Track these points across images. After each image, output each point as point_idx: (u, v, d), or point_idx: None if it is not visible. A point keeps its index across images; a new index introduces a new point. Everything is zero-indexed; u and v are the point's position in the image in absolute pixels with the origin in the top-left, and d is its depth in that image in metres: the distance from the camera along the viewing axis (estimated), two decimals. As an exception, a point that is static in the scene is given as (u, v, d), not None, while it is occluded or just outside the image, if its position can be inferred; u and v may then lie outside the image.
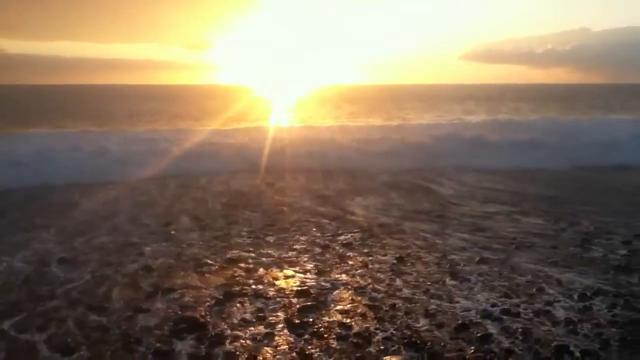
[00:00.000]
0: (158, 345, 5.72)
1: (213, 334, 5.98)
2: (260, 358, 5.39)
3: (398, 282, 7.59)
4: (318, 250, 9.02)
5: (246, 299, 6.98)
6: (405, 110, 55.46)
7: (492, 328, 6.08)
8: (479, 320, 6.28)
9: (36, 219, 11.11)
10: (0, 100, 77.56)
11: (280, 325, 6.20)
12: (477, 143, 20.32)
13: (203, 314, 6.50)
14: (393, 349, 5.56)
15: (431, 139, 21.24)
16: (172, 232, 10.05)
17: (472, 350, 5.51)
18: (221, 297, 7.02)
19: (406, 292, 7.21)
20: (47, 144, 18.03)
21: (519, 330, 6.01)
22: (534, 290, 7.22)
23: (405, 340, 5.74)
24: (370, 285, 7.42)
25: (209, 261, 8.44)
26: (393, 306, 6.71)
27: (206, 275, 7.87)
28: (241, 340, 5.82)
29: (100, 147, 18.13)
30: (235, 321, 6.32)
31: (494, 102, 69.02)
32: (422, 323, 6.24)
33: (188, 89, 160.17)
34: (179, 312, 6.54)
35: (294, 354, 5.48)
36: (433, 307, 6.69)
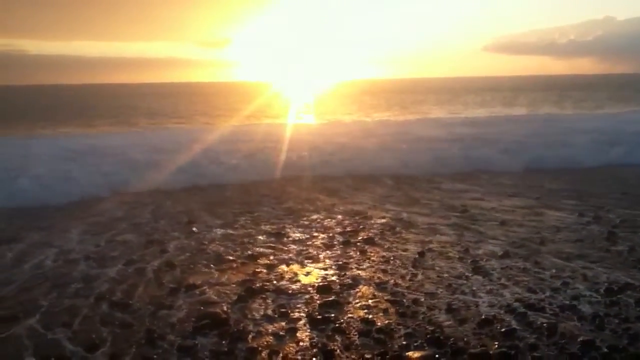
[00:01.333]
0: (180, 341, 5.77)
1: (235, 330, 6.00)
2: (282, 354, 5.39)
3: (420, 277, 7.54)
4: (339, 245, 9.03)
5: (268, 294, 7.00)
6: (426, 104, 55.23)
7: (516, 323, 6.00)
8: (502, 316, 6.21)
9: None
10: (31, 100, 78.56)
11: (302, 321, 6.20)
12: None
13: (225, 309, 6.54)
14: (416, 344, 5.51)
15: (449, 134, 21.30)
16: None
17: (496, 346, 5.44)
18: (243, 293, 7.05)
19: (428, 287, 7.17)
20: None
21: (544, 325, 5.91)
22: (559, 284, 7.11)
23: (428, 336, 5.69)
24: (392, 281, 7.39)
25: (231, 257, 8.49)
26: (415, 301, 6.67)
27: (228, 271, 7.93)
28: (263, 336, 5.84)
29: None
30: (257, 317, 6.34)
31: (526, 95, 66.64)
32: (445, 318, 6.18)
33: (208, 86, 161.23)
34: (202, 308, 6.58)
35: (316, 350, 5.47)
36: (456, 302, 6.62)
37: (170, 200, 12.92)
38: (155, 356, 5.42)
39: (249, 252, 8.67)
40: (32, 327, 6.14)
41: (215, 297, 6.95)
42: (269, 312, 6.47)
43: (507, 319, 6.11)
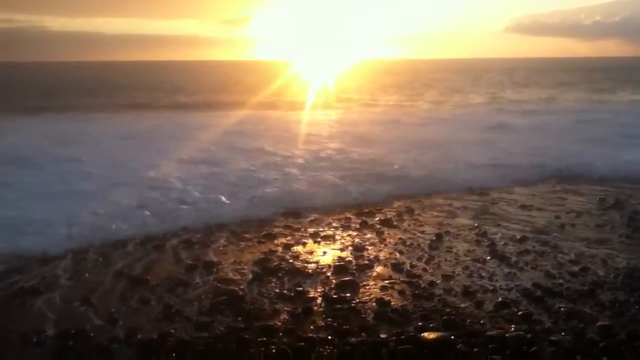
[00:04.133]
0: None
1: (251, 308, 6.05)
2: (298, 333, 5.42)
3: (437, 259, 7.52)
4: (356, 226, 9.03)
5: (284, 274, 7.04)
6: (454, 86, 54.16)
7: (533, 307, 5.96)
8: (520, 299, 6.17)
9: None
10: (62, 77, 77.31)
11: (318, 301, 6.22)
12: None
13: (242, 287, 6.59)
14: (431, 325, 5.50)
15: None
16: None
17: (513, 329, 5.40)
18: (260, 271, 7.10)
19: (445, 269, 7.14)
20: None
21: (562, 309, 5.86)
22: (578, 269, 7.04)
23: (444, 318, 5.68)
24: (409, 262, 7.37)
25: (248, 236, 8.55)
26: (432, 283, 6.65)
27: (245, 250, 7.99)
28: (279, 315, 5.88)
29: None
30: (273, 296, 6.38)
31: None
32: (461, 301, 6.16)
33: (230, 65, 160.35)
34: (219, 286, 6.64)
35: (332, 330, 5.49)
36: (473, 285, 6.59)
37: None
38: (172, 331, 5.48)
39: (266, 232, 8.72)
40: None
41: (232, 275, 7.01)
42: (285, 291, 6.50)
43: (525, 303, 6.07)
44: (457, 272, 7.02)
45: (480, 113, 27.49)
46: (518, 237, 8.36)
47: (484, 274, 6.93)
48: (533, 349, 5.01)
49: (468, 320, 5.63)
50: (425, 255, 7.66)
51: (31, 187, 11.24)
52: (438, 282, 6.70)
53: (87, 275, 7.03)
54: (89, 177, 12.21)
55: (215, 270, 7.17)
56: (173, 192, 10.89)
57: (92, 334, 5.43)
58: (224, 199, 10.47)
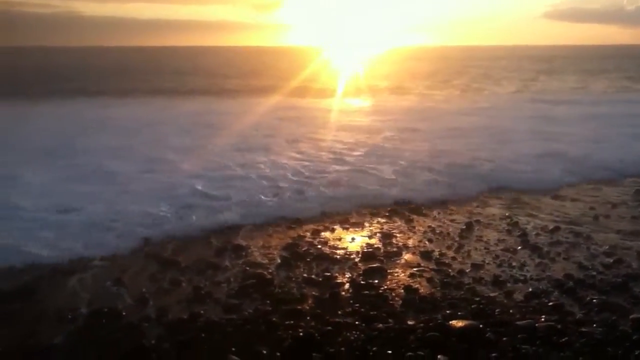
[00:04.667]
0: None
1: (279, 291, 6.11)
2: (325, 317, 5.45)
3: (466, 248, 7.45)
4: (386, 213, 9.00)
5: (312, 259, 7.07)
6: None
7: (564, 298, 5.86)
8: (551, 290, 6.08)
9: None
10: (102, 62, 77.49)
11: (346, 287, 6.24)
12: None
13: (271, 271, 6.65)
14: (460, 314, 5.46)
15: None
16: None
17: (543, 319, 5.33)
18: (288, 256, 7.15)
19: (475, 258, 7.07)
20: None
21: (594, 301, 5.75)
22: (612, 261, 6.89)
23: (473, 306, 5.63)
24: (438, 250, 7.33)
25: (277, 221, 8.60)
26: (461, 272, 6.60)
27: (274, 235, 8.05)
28: (306, 299, 5.92)
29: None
30: (301, 280, 6.42)
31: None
32: (491, 290, 6.10)
33: (261, 51, 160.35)
34: (248, 269, 6.71)
35: (359, 315, 5.50)
36: (503, 274, 6.52)
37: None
38: (202, 312, 5.57)
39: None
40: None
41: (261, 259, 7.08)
42: (313, 276, 6.53)
43: (556, 294, 5.98)
44: (487, 262, 6.94)
45: (519, 102, 26.65)
46: (550, 227, 8.22)
47: (514, 264, 6.84)
48: (563, 339, 4.94)
49: (497, 310, 5.57)
50: (455, 243, 7.60)
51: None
52: (467, 270, 6.65)
53: (119, 256, 7.18)
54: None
55: (244, 254, 7.25)
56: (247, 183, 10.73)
57: (123, 313, 5.56)
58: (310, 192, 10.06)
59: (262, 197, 9.67)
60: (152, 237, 7.75)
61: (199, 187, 10.14)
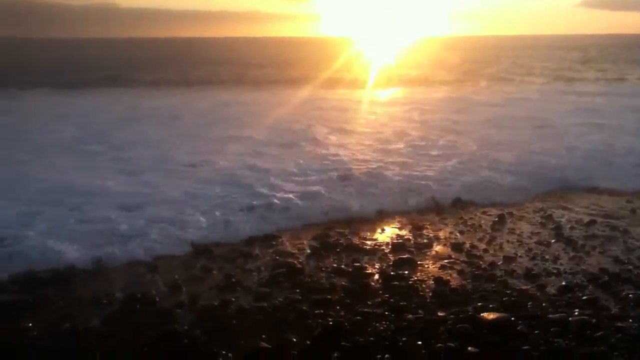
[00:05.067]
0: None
1: (309, 281, 6.14)
2: (355, 307, 5.45)
3: (498, 240, 7.36)
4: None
5: (342, 249, 7.08)
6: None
7: (599, 292, 5.74)
8: (585, 284, 5.96)
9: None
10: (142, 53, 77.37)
11: (375, 277, 6.23)
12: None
13: (301, 261, 6.69)
14: (491, 306, 5.40)
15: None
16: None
17: (576, 313, 5.23)
18: (318, 246, 7.17)
19: (507, 251, 6.98)
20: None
21: (630, 296, 5.62)
22: (648, 256, 6.71)
23: (504, 299, 5.57)
24: (469, 242, 7.25)
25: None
26: (492, 264, 6.52)
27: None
28: (336, 289, 5.93)
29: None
30: (331, 270, 6.44)
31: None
32: (523, 283, 6.02)
33: (293, 42, 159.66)
34: (278, 259, 6.76)
35: (387, 306, 5.49)
36: (535, 267, 6.42)
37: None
38: (233, 299, 5.65)
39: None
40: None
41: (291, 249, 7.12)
42: (343, 266, 6.54)
43: (590, 288, 5.86)
44: (519, 254, 6.85)
45: (555, 93, 25.89)
46: (586, 220, 8.06)
47: (547, 257, 6.73)
48: (598, 334, 4.84)
49: (529, 303, 5.49)
50: (487, 236, 7.51)
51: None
52: (499, 263, 6.57)
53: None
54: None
55: (274, 243, 7.30)
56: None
57: (157, 299, 5.67)
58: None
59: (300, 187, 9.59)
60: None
61: (237, 179, 10.15)
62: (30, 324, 5.17)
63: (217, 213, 8.14)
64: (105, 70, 40.25)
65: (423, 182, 9.82)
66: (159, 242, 7.12)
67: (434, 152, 12.57)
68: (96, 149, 12.83)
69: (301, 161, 11.54)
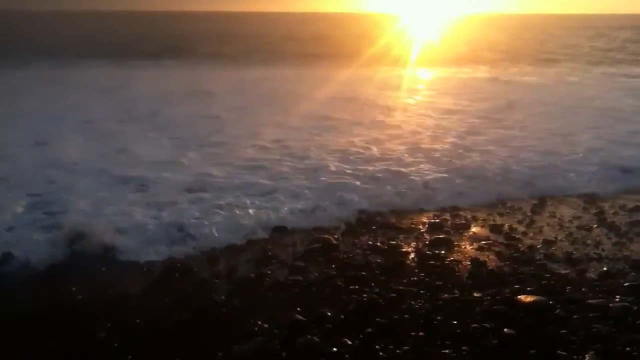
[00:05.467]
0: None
1: (344, 257, 6.17)
2: (389, 285, 5.46)
3: (539, 223, 7.23)
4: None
5: (378, 227, 7.08)
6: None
7: (642, 280, 5.60)
8: (627, 270, 5.81)
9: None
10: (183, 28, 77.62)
11: (411, 256, 6.22)
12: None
13: (336, 237, 6.72)
14: (529, 289, 5.33)
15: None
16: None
17: (617, 300, 5.12)
18: (354, 223, 7.19)
19: (547, 234, 6.86)
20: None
21: (675, 284, 5.46)
22: (698, 244, 6.50)
23: (543, 282, 5.48)
24: (508, 225, 7.15)
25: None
26: (531, 247, 6.42)
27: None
28: (370, 266, 5.95)
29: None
30: (366, 247, 6.45)
31: None
32: (563, 267, 5.91)
33: (340, 17, 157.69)
34: (314, 234, 6.81)
35: (424, 284, 5.48)
36: (576, 252, 6.29)
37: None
38: (269, 272, 5.73)
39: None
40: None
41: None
42: (378, 243, 6.54)
43: (633, 275, 5.72)
44: (559, 238, 6.72)
45: (610, 76, 24.56)
46: (630, 206, 7.83)
47: (589, 242, 6.59)
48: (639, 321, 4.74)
49: (568, 287, 5.40)
50: (527, 218, 7.39)
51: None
52: (538, 246, 6.46)
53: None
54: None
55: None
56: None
57: (195, 269, 5.80)
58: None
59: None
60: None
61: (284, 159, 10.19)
62: (75, 288, 5.37)
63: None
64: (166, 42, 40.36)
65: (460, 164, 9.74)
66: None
67: (479, 137, 12.13)
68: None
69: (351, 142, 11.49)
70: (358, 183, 8.63)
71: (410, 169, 9.46)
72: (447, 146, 11.14)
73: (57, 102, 15.82)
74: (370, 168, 9.46)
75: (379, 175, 9.07)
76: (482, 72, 26.56)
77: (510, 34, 58.93)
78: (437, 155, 10.37)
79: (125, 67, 25.17)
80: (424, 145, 11.18)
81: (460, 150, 10.68)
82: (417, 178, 8.89)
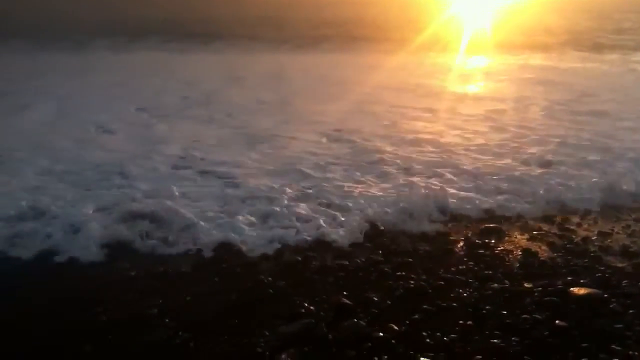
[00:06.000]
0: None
1: (391, 243, 6.13)
2: (438, 273, 5.39)
3: (594, 214, 6.98)
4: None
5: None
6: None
7: None
8: (691, 265, 5.56)
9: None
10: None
11: (460, 244, 6.12)
12: None
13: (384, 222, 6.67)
14: (582, 282, 5.17)
15: None
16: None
17: (679, 296, 4.91)
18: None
19: (603, 226, 6.62)
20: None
21: None
22: None
23: (597, 275, 5.31)
24: (562, 215, 6.94)
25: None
26: (586, 239, 6.22)
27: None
28: (418, 254, 5.90)
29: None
30: (415, 233, 6.40)
31: None
32: (619, 260, 5.70)
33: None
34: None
35: (472, 273, 5.40)
36: (634, 245, 6.05)
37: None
38: (315, 255, 5.76)
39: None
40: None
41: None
42: (427, 229, 6.47)
43: (696, 270, 5.46)
44: (616, 230, 6.48)
45: None
46: (694, 199, 7.47)
47: (648, 235, 6.33)
48: None
49: (625, 281, 5.20)
50: (581, 209, 7.14)
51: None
52: (593, 238, 6.25)
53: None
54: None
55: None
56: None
57: (243, 249, 5.90)
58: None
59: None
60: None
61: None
62: (129, 265, 5.55)
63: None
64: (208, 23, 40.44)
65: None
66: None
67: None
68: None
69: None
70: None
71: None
72: (507, 135, 10.88)
73: (117, 88, 15.97)
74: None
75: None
76: (540, 58, 25.24)
77: (567, 17, 56.01)
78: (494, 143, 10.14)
79: (174, 51, 25.33)
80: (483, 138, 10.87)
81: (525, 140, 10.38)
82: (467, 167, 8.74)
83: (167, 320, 4.59)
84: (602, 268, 5.48)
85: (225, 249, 5.93)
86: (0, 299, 5.09)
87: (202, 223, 6.44)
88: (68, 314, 4.76)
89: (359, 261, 5.66)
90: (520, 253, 5.85)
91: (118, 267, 5.52)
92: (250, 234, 6.25)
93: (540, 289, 5.03)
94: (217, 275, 5.37)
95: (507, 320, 4.53)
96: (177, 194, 7.37)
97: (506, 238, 6.28)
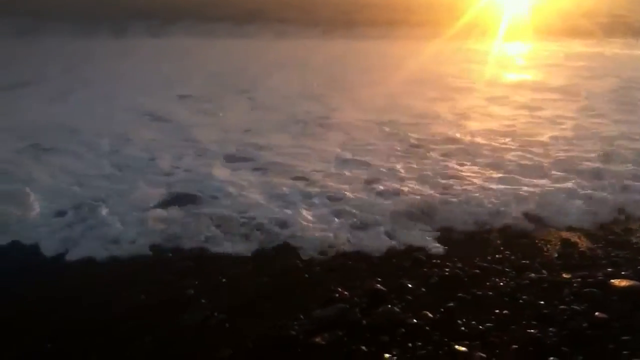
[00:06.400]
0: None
1: (427, 230, 6.09)
2: (474, 261, 5.33)
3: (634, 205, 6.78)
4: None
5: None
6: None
7: None
8: None
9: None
10: None
11: (497, 233, 6.03)
12: None
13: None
14: (623, 274, 5.05)
15: None
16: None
17: None
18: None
19: (645, 217, 6.44)
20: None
21: None
22: None
23: (639, 267, 5.17)
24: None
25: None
26: (627, 230, 6.06)
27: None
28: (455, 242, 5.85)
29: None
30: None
31: None
32: (663, 252, 5.54)
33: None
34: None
35: (508, 263, 5.32)
36: (678, 238, 5.88)
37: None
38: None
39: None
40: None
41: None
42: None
43: None
44: (659, 222, 6.30)
45: None
46: None
47: (693, 228, 6.13)
48: None
49: (669, 274, 5.07)
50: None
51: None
52: (634, 229, 6.08)
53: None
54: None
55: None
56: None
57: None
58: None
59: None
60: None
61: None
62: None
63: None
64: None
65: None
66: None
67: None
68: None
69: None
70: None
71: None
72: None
73: (152, 75, 16.05)
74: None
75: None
76: (582, 45, 24.35)
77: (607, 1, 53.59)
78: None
79: (208, 35, 25.36)
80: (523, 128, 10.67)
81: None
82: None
83: (203, 301, 4.67)
84: (644, 259, 5.34)
85: (259, 229, 5.97)
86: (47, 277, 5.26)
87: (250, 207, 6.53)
88: (106, 295, 4.88)
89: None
90: (558, 243, 5.75)
91: (157, 249, 5.63)
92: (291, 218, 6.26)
93: (579, 279, 4.93)
94: (251, 258, 5.43)
95: (545, 311, 4.47)
96: (221, 177, 7.48)
97: (544, 229, 6.16)
